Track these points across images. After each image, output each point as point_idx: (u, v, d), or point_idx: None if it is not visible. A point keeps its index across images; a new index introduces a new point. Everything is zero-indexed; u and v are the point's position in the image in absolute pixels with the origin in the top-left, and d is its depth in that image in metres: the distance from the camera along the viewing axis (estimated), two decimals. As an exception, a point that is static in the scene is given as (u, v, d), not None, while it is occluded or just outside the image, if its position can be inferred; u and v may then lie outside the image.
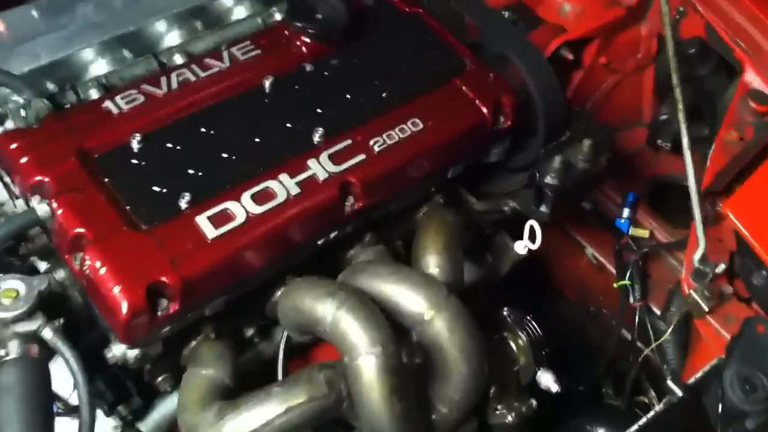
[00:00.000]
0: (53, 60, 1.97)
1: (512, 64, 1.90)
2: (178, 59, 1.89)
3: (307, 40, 1.90)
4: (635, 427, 1.68)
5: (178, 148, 1.71)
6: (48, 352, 1.57)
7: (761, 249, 1.75)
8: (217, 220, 1.61)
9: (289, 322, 1.70)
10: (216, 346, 1.72)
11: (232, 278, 1.63)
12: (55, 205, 1.58)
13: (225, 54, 1.86)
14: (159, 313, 1.54)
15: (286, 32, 1.92)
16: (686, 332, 2.01)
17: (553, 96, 1.90)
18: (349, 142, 1.75)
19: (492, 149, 1.96)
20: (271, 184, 1.67)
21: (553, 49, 2.15)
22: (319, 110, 1.80)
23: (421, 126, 1.81)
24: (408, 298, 1.64)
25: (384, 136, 1.77)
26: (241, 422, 1.57)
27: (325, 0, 1.90)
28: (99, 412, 1.77)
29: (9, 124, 1.79)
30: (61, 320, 1.57)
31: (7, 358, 1.51)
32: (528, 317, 1.87)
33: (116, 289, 1.51)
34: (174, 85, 1.80)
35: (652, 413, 1.69)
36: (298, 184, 1.68)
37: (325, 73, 1.87)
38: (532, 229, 1.86)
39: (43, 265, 1.68)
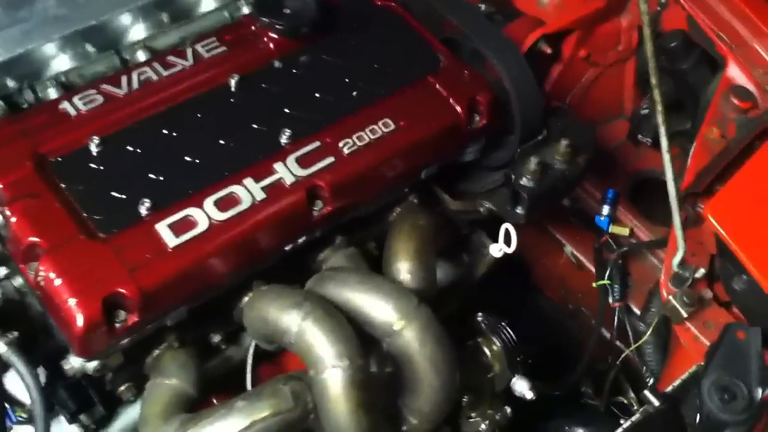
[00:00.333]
0: (12, 56, 1.86)
1: (487, 60, 1.84)
2: (141, 56, 1.82)
3: (275, 36, 1.83)
4: (611, 437, 1.64)
5: (139, 151, 1.64)
6: (2, 365, 1.52)
7: (742, 253, 1.69)
8: (178, 228, 1.55)
9: (255, 331, 1.65)
10: (179, 355, 1.67)
11: (194, 288, 1.57)
12: (8, 212, 1.52)
13: (189, 51, 1.79)
14: (117, 326, 1.48)
15: (252, 28, 1.84)
16: (666, 334, 1.96)
17: (529, 93, 1.84)
18: (317, 144, 1.69)
19: (467, 148, 1.90)
20: (236, 189, 1.61)
21: (530, 42, 2.08)
22: (286, 110, 1.74)
23: (392, 126, 1.74)
24: (377, 307, 1.58)
25: (354, 137, 1.71)
26: (201, 438, 1.52)
27: (294, -6, 1.83)
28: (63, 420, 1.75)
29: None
30: (15, 333, 1.53)
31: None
32: (502, 323, 1.82)
33: (71, 302, 1.45)
34: (135, 84, 1.73)
35: (628, 423, 1.64)
36: (264, 189, 1.62)
37: (294, 71, 1.80)
38: (507, 232, 1.80)
39: (1, 271, 1.62)
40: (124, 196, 1.58)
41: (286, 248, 1.68)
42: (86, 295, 1.45)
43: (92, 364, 1.58)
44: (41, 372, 1.68)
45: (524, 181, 1.78)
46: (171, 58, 1.78)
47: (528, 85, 1.84)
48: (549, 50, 2.10)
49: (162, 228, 1.54)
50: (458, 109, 1.80)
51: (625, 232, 2.19)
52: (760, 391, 1.61)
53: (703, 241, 1.82)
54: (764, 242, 1.70)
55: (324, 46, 1.85)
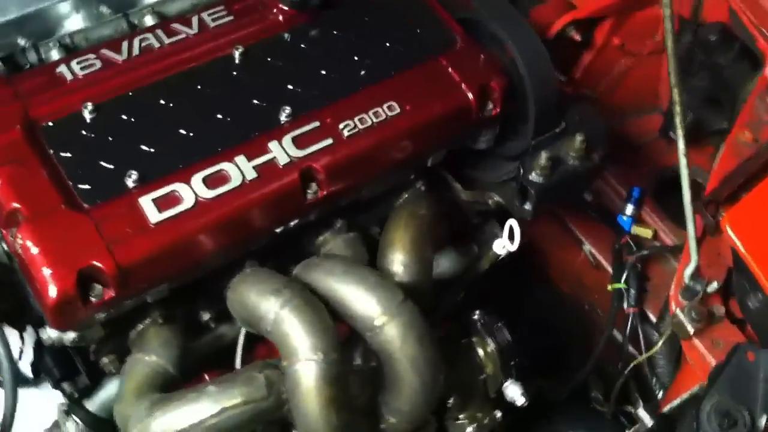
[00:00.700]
0: (24, 13, 1.83)
1: (504, 44, 1.74)
2: (149, 21, 1.77)
3: (285, 7, 1.76)
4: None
5: (133, 120, 1.60)
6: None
7: (759, 270, 1.58)
8: (162, 203, 1.50)
9: (237, 315, 1.60)
10: (163, 331, 1.63)
11: (175, 266, 1.52)
12: (-7, 177, 1.50)
13: (194, 19, 1.73)
14: (92, 300, 1.45)
15: (262, -2, 1.78)
16: (679, 345, 1.86)
17: (545, 82, 1.74)
18: (316, 124, 1.62)
19: (480, 136, 1.81)
20: (226, 166, 1.55)
21: (558, 27, 1.98)
22: (289, 86, 1.67)
23: (397, 110, 1.66)
24: (360, 300, 1.52)
25: (356, 119, 1.64)
26: (171, 420, 1.48)
27: (306, -36, 1.76)
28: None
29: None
30: None
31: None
32: (499, 323, 1.74)
33: (46, 272, 1.42)
34: (135, 51, 1.68)
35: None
36: (256, 168, 1.56)
37: (301, 45, 1.73)
38: (512, 229, 1.72)
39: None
40: (111, 167, 1.53)
41: (277, 230, 1.62)
42: (61, 267, 1.42)
43: (70, 335, 1.55)
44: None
45: (533, 177, 1.69)
46: (175, 26, 1.72)
47: (545, 73, 1.73)
48: (578, 37, 2.00)
49: (146, 202, 1.49)
50: (470, 95, 1.71)
51: (648, 234, 2.08)
52: (764, 418, 1.51)
53: (721, 252, 1.70)
54: (784, 261, 1.59)
55: (335, 21, 1.77)
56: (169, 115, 1.61)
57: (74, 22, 1.85)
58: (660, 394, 1.92)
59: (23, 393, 1.73)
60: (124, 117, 1.60)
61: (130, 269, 1.45)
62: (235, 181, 1.54)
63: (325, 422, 1.44)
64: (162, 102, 1.62)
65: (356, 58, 1.73)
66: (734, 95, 2.00)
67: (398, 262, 1.65)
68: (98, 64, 1.65)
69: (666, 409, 1.59)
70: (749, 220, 1.64)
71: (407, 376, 1.53)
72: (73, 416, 1.68)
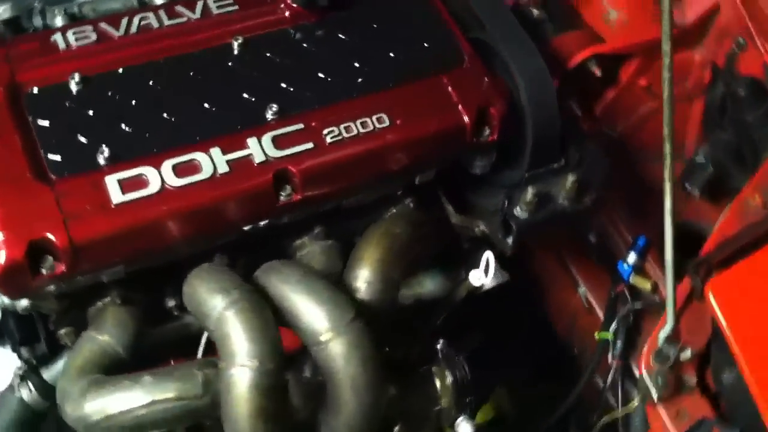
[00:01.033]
0: (44, -26, 1.86)
1: (508, 69, 1.68)
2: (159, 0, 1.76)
3: (293, 4, 1.72)
4: None
5: (118, 97, 1.58)
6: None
7: (736, 345, 1.48)
8: (127, 185, 1.48)
9: (189, 308, 1.57)
10: (119, 313, 1.61)
11: (131, 250, 1.50)
12: (-36, 138, 1.50)
13: (199, 4, 1.70)
14: (43, 271, 1.44)
15: (273, -10, 1.75)
16: (656, 406, 1.77)
17: (547, 116, 1.67)
18: (300, 126, 1.58)
19: (475, 161, 1.75)
20: (199, 156, 1.52)
21: (579, 60, 1.90)
22: (282, 84, 1.64)
23: (386, 123, 1.61)
24: (309, 313, 1.47)
25: (342, 127, 1.59)
26: (102, 403, 1.46)
27: (321, -39, 1.72)
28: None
29: (-37, 43, 1.71)
30: None
31: None
32: (460, 357, 1.67)
33: (-1, 237, 1.42)
34: (133, 28, 1.66)
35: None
36: (229, 162, 1.53)
37: (303, 44, 1.69)
38: (488, 262, 1.65)
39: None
40: (86, 141, 1.52)
41: (245, 228, 1.59)
42: (13, 234, 1.41)
43: (23, 303, 1.55)
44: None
45: (517, 211, 1.63)
46: (178, 8, 1.69)
47: (547, 105, 1.66)
48: (599, 72, 1.91)
49: (111, 182, 1.47)
50: (466, 117, 1.65)
51: (647, 286, 1.98)
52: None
53: (704, 318, 1.61)
54: (764, 339, 1.49)
55: (342, 23, 1.73)
56: (155, 98, 1.59)
57: (90, -11, 1.86)
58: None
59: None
60: (110, 93, 1.58)
61: (83, 246, 1.44)
62: (206, 173, 1.51)
63: (251, 431, 1.40)
64: (151, 83, 1.60)
65: (356, 65, 1.68)
66: (757, 154, 1.90)
67: (362, 279, 1.60)
68: (93, 36, 1.63)
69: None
70: (735, 290, 1.54)
71: (347, 397, 1.48)
72: (28, 382, 1.68)
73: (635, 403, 1.71)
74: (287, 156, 1.55)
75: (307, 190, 1.57)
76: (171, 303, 1.69)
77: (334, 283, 1.57)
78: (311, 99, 1.63)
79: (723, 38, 1.92)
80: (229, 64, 1.65)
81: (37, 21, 1.72)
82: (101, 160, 1.50)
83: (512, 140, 1.72)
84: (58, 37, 1.62)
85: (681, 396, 1.58)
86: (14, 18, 1.72)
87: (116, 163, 1.49)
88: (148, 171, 1.49)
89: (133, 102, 1.57)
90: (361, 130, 1.60)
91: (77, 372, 1.53)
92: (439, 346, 1.71)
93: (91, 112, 1.55)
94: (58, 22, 1.71)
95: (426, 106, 1.66)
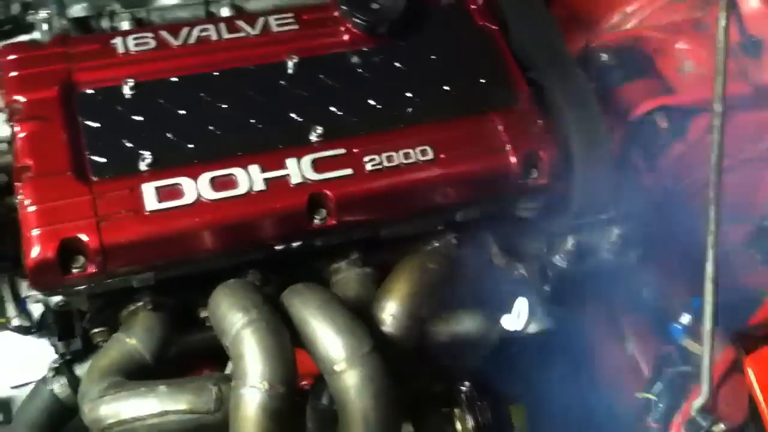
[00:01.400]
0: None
1: (562, 114, 1.63)
2: (225, 12, 1.78)
3: (354, 29, 1.72)
4: None
5: (167, 106, 1.60)
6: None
7: (771, 423, 1.41)
8: (163, 193, 1.50)
9: (211, 321, 1.56)
10: (150, 318, 1.62)
11: (161, 258, 1.51)
12: (17, 128, 1.54)
13: (259, 20, 1.71)
14: (74, 270, 1.46)
15: (334, 14, 1.74)
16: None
17: (598, 166, 1.62)
18: (342, 151, 1.57)
19: (521, 204, 1.70)
20: (237, 172, 1.53)
21: (644, 110, 1.83)
22: (331, 107, 1.63)
23: (430, 156, 1.59)
24: (326, 340, 1.45)
25: (383, 155, 1.58)
26: (115, 408, 1.47)
27: (388, -12, 1.71)
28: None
29: (36, 35, 1.77)
30: None
31: None
32: (484, 402, 1.62)
33: (33, 232, 1.45)
34: (192, 39, 1.68)
35: None
36: (266, 180, 1.53)
37: (357, 70, 1.69)
38: (526, 306, 1.60)
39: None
40: (131, 146, 1.54)
41: (277, 247, 1.58)
42: (47, 231, 1.44)
43: (55, 299, 1.57)
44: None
45: (556, 259, 1.58)
46: (239, 23, 1.71)
47: (599, 155, 1.61)
48: (665, 125, 1.84)
49: (148, 188, 1.49)
50: (512, 159, 1.61)
51: (698, 350, 1.89)
52: None
53: (744, 393, 1.53)
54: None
55: (400, 52, 1.72)
56: (203, 109, 1.60)
57: (165, -3, 1.89)
58: None
59: (28, 340, 1.80)
60: (161, 101, 1.60)
61: (113, 249, 1.46)
62: (242, 189, 1.52)
63: (255, 454, 1.39)
64: (202, 94, 1.62)
65: (408, 95, 1.66)
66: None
67: (388, 311, 1.57)
68: (152, 43, 1.66)
69: None
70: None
71: (357, 430, 1.45)
72: (61, 376, 1.71)
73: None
74: (325, 180, 1.55)
75: (342, 215, 1.56)
76: (203, 314, 1.69)
77: (360, 312, 1.55)
78: (357, 125, 1.62)
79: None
80: (282, 82, 1.66)
81: (105, 23, 1.76)
82: (142, 166, 1.52)
83: (561, 186, 1.67)
84: (118, 41, 1.66)
85: (711, 469, 1.50)
86: (85, 18, 1.76)
87: (156, 170, 1.51)
88: (185, 181, 1.51)
89: (182, 112, 1.59)
90: (403, 161, 1.58)
91: (100, 373, 1.55)
92: (463, 388, 1.66)
93: (139, 118, 1.58)
94: (125, 26, 1.75)
95: (473, 143, 1.62)
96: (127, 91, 1.59)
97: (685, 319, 1.93)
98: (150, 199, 1.49)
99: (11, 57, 1.61)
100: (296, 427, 1.52)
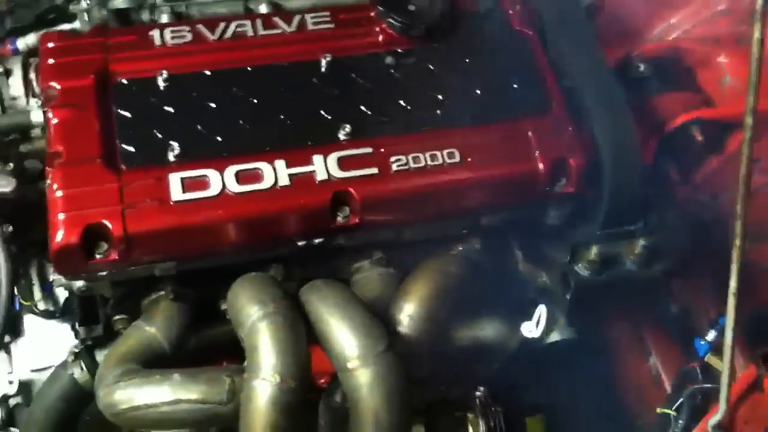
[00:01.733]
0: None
1: (593, 122, 1.61)
2: (263, 9, 1.79)
3: (389, 29, 1.72)
4: None
5: (200, 99, 1.62)
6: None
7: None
8: (189, 184, 1.51)
9: (229, 313, 1.58)
10: (171, 308, 1.64)
11: (183, 248, 1.53)
12: (50, 115, 1.57)
13: (295, 18, 1.73)
14: (97, 256, 1.48)
15: (370, 14, 1.74)
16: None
17: (628, 176, 1.59)
18: (368, 150, 1.58)
19: (548, 210, 1.69)
20: (263, 166, 1.54)
21: (679, 122, 1.80)
22: (361, 107, 1.64)
23: (456, 159, 1.59)
24: (341, 337, 1.45)
25: (410, 156, 1.58)
26: (131, 393, 1.49)
27: (426, -8, 1.71)
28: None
29: (76, 24, 1.80)
30: (10, 228, 1.57)
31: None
32: (498, 408, 1.61)
33: (59, 216, 1.47)
34: (228, 34, 1.70)
35: None
36: (291, 176, 1.54)
37: (390, 71, 1.69)
38: (545, 314, 1.59)
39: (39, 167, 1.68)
40: (160, 136, 1.56)
41: (299, 243, 1.59)
42: (73, 216, 1.47)
43: (78, 283, 1.59)
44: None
45: (579, 268, 1.56)
46: (275, 20, 1.73)
47: (628, 165, 1.59)
48: (700, 137, 1.81)
49: (175, 179, 1.51)
50: (540, 166, 1.60)
51: (721, 366, 1.85)
52: None
53: (762, 411, 1.50)
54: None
55: (434, 54, 1.72)
56: (234, 103, 1.62)
57: (210, -10, 1.91)
58: None
59: (52, 324, 1.84)
60: (194, 94, 1.62)
61: (136, 237, 1.48)
62: (266, 183, 1.53)
63: (262, 446, 1.40)
64: (234, 89, 1.63)
65: (439, 97, 1.66)
66: None
67: (405, 312, 1.57)
68: (189, 37, 1.68)
69: None
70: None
71: (367, 429, 1.45)
72: (81, 361, 1.73)
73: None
74: (349, 178, 1.55)
75: (366, 214, 1.56)
76: (224, 306, 1.71)
77: (378, 312, 1.55)
78: (386, 125, 1.62)
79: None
80: (314, 80, 1.67)
81: (145, 15, 1.79)
82: (170, 157, 1.54)
83: (590, 195, 1.65)
84: (155, 34, 1.68)
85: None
86: (125, 9, 1.79)
87: (184, 161, 1.53)
88: (211, 174, 1.52)
89: (212, 105, 1.61)
90: (429, 163, 1.58)
91: (117, 359, 1.57)
92: (478, 393, 1.65)
93: (170, 110, 1.60)
94: (164, 18, 1.77)
95: (501, 148, 1.62)
96: (161, 82, 1.61)
97: (711, 335, 1.89)
98: (176, 190, 1.50)
99: (50, 45, 1.65)
100: (309, 423, 1.53)
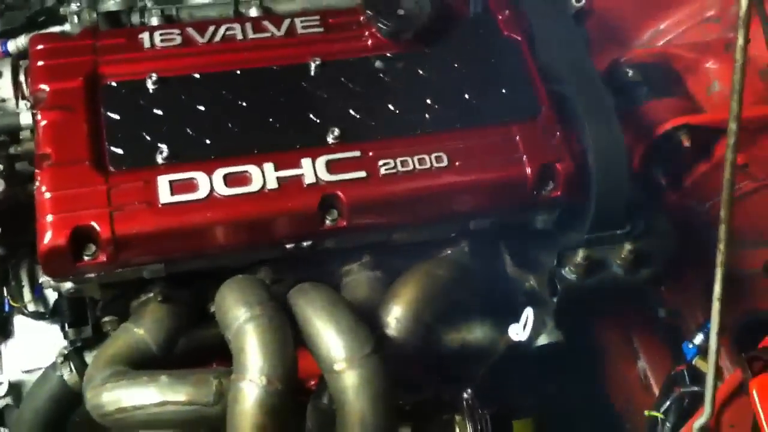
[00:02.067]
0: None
1: (581, 127, 1.62)
2: (254, 12, 1.80)
3: (378, 33, 1.72)
4: None
5: (189, 101, 1.62)
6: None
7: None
8: (177, 187, 1.52)
9: (216, 314, 1.58)
10: (159, 310, 1.64)
11: (171, 250, 1.53)
12: (39, 117, 1.57)
13: (285, 22, 1.73)
14: (85, 258, 1.49)
15: (360, 18, 1.75)
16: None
17: (615, 181, 1.60)
18: (357, 153, 1.58)
19: (536, 215, 1.70)
20: (251, 169, 1.54)
21: (668, 127, 1.81)
22: (350, 110, 1.64)
23: (444, 163, 1.59)
24: (327, 339, 1.46)
25: (398, 160, 1.58)
26: (117, 395, 1.49)
27: (414, -5, 1.71)
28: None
29: (66, 27, 1.80)
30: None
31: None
32: (485, 411, 1.62)
33: (47, 218, 1.48)
34: (217, 37, 1.70)
35: None
36: (280, 179, 1.54)
37: (379, 75, 1.69)
38: (532, 317, 1.59)
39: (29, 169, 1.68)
40: (149, 139, 1.57)
41: (287, 246, 1.60)
42: (61, 218, 1.47)
43: (66, 285, 1.59)
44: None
45: (565, 272, 1.57)
46: (264, 23, 1.73)
47: (616, 170, 1.60)
48: (688, 143, 1.82)
49: (163, 181, 1.52)
50: (528, 170, 1.60)
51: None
52: None
53: (749, 416, 1.50)
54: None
55: (423, 59, 1.72)
56: (223, 106, 1.62)
57: (203, -6, 1.91)
58: None
59: (43, 326, 1.84)
60: (182, 96, 1.62)
61: (124, 240, 1.48)
62: (254, 186, 1.53)
63: (247, 447, 1.40)
64: (223, 92, 1.64)
65: (428, 102, 1.67)
66: None
67: (393, 315, 1.58)
68: (178, 40, 1.69)
69: None
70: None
71: (353, 431, 1.45)
72: (70, 362, 1.74)
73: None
74: (338, 181, 1.56)
75: (354, 218, 1.56)
76: (213, 308, 1.71)
77: (366, 314, 1.55)
78: (375, 129, 1.63)
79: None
80: (303, 83, 1.67)
81: (135, 18, 1.79)
82: (159, 159, 1.54)
83: (578, 200, 1.66)
84: (145, 36, 1.68)
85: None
86: (115, 12, 1.79)
87: (172, 164, 1.53)
88: (200, 176, 1.53)
89: (201, 108, 1.62)
90: (417, 167, 1.58)
91: (105, 361, 1.57)
92: (465, 395, 1.66)
93: (159, 112, 1.60)
94: (154, 21, 1.77)
95: (489, 153, 1.62)
96: (150, 85, 1.62)
97: (698, 339, 1.91)
98: (164, 192, 1.51)
99: (39, 47, 1.65)
100: (296, 425, 1.53)
